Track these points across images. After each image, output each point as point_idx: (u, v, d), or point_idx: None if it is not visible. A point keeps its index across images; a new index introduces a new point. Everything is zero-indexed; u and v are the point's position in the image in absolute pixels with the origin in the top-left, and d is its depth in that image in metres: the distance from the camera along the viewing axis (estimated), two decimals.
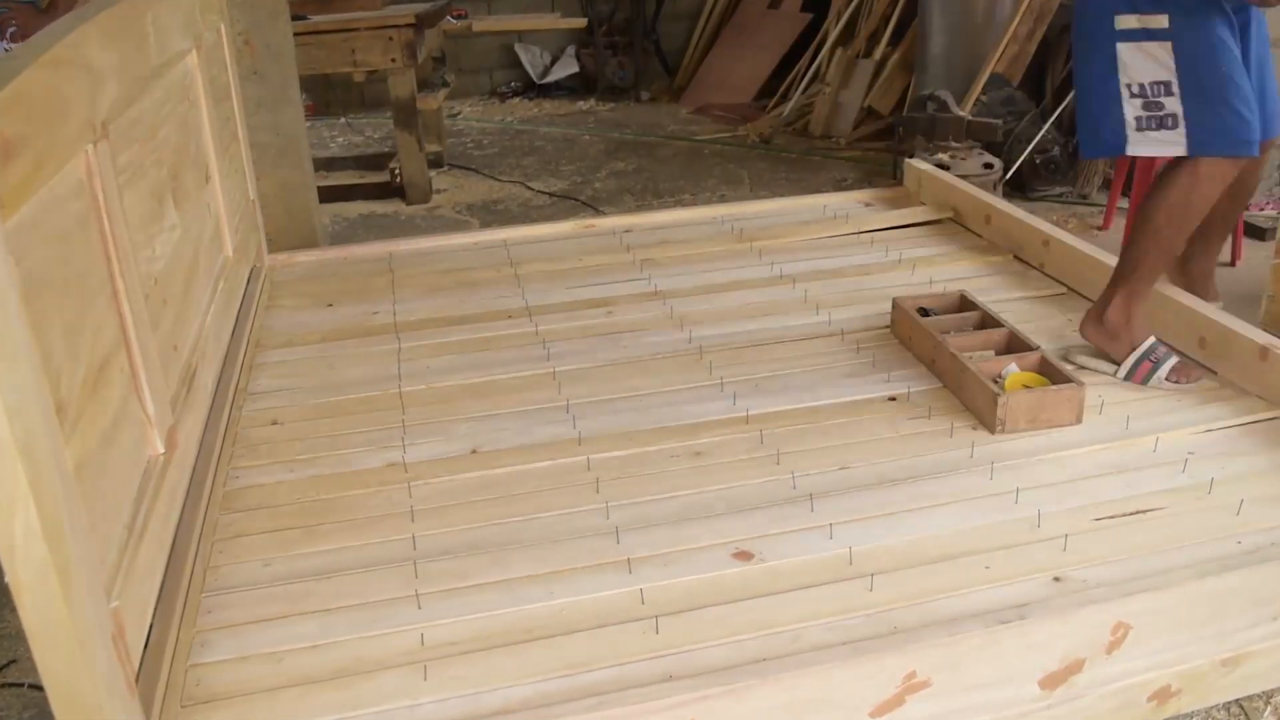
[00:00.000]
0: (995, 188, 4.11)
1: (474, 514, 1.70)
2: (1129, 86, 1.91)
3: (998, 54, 4.59)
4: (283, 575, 1.57)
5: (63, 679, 1.04)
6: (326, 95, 6.35)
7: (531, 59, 6.69)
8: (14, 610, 1.00)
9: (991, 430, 1.89)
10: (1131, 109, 1.91)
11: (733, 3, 6.45)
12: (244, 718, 1.31)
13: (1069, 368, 1.98)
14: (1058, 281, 2.53)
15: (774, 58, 6.08)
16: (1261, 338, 1.99)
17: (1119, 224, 3.97)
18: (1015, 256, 2.72)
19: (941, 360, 2.07)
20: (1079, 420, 1.90)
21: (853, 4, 5.53)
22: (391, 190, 4.70)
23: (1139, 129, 1.91)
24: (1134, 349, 2.02)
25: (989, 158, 4.31)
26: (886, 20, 5.32)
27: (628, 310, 2.47)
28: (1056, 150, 4.54)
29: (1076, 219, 4.33)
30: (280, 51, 3.14)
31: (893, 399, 2.02)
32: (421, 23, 4.41)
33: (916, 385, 2.06)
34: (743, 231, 2.97)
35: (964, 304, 2.28)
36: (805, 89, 5.66)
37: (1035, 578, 1.49)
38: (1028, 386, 1.93)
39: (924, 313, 2.24)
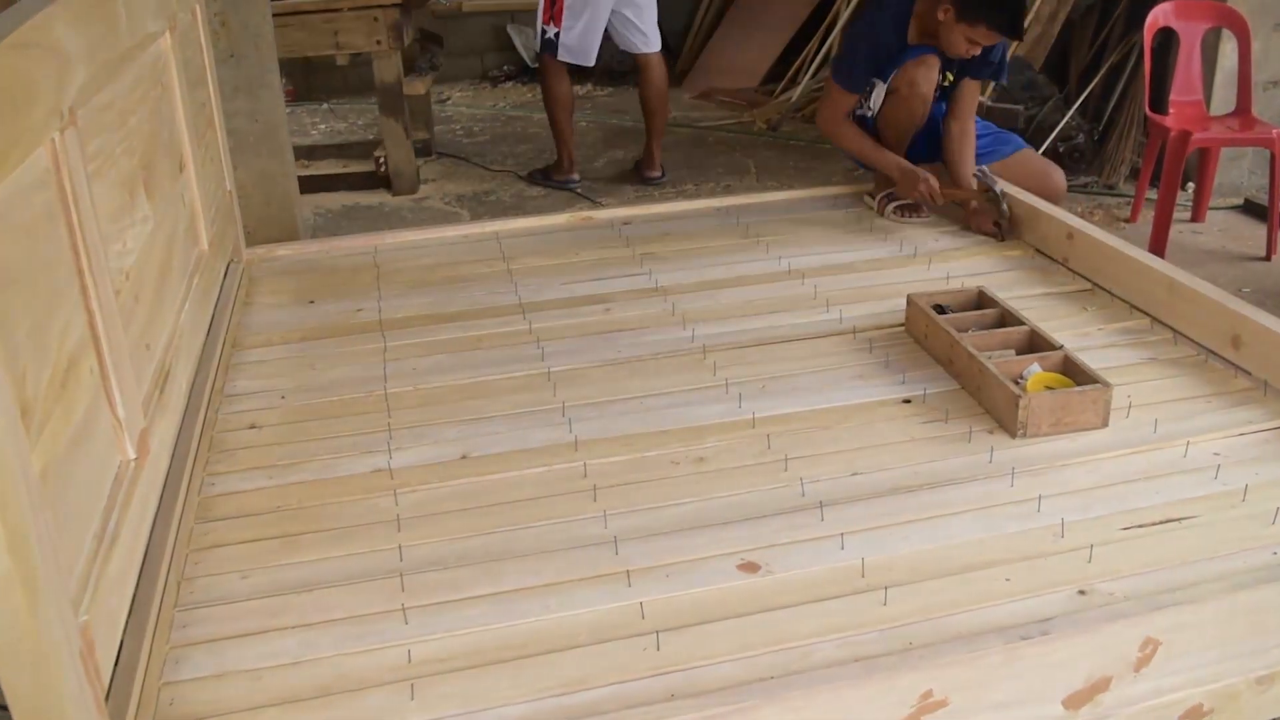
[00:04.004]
0: None
1: (464, 523, 1.70)
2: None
3: None
4: (262, 588, 1.56)
5: (28, 698, 1.04)
6: (308, 79, 6.35)
7: (525, 41, 6.69)
8: None
9: (1012, 434, 1.89)
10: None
11: None
12: None
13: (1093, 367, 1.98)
14: (1082, 277, 2.53)
15: (782, 39, 6.08)
16: None
17: (1147, 216, 3.97)
18: (1037, 250, 2.72)
19: (959, 360, 2.07)
20: (1105, 423, 1.90)
21: None
22: (377, 180, 4.70)
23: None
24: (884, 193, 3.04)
25: None
26: None
27: (627, 307, 2.47)
28: (1081, 138, 4.54)
29: (1103, 210, 4.34)
30: (259, 33, 3.14)
31: (907, 401, 2.03)
32: (408, 2, 4.41)
33: (933, 386, 2.06)
34: (749, 224, 2.97)
35: (983, 300, 2.28)
36: (815, 73, 5.66)
37: (1059, 591, 1.49)
38: (1050, 388, 1.93)
39: (940, 310, 2.24)
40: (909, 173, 2.91)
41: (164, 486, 1.67)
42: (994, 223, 2.80)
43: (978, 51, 2.84)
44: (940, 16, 2.81)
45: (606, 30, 4.44)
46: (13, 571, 0.98)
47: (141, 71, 1.92)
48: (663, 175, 4.77)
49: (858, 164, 3.37)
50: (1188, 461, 1.80)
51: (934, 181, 2.88)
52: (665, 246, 2.84)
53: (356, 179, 4.73)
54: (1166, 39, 4.05)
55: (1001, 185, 2.85)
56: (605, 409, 2.03)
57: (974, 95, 3.03)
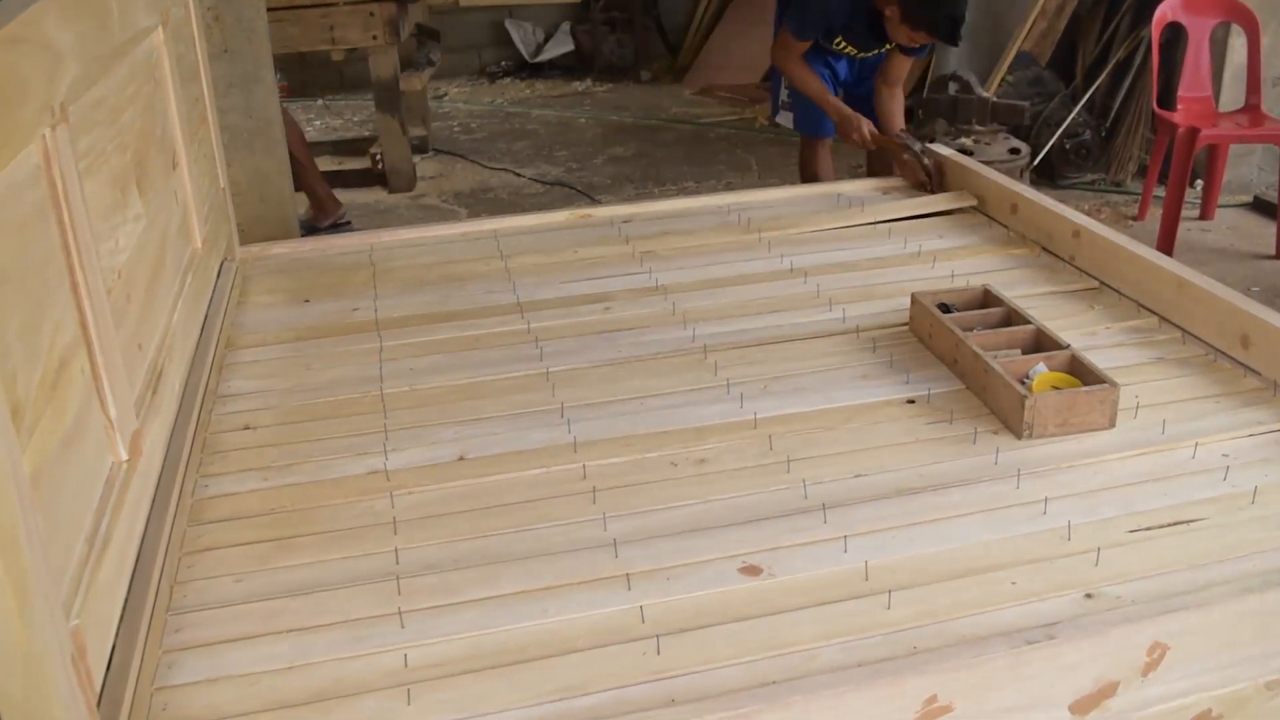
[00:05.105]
0: (1022, 175, 4.12)
1: (461, 526, 1.70)
2: (784, 83, 3.78)
3: (1025, 30, 4.60)
4: (256, 591, 1.56)
5: (19, 703, 1.04)
6: (303, 75, 6.36)
7: (523, 36, 6.70)
8: None
9: (1018, 435, 1.88)
10: (782, 94, 3.80)
11: None
12: None
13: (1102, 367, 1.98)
14: (1089, 275, 2.53)
15: None
16: None
17: (1155, 214, 3.97)
18: (1043, 249, 2.72)
19: (964, 360, 2.07)
20: (1112, 424, 1.90)
21: None
22: (373, 177, 4.71)
23: (782, 108, 3.81)
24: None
25: (1015, 142, 4.31)
26: None
27: (627, 306, 2.47)
28: (1088, 134, 4.54)
29: (1110, 208, 4.34)
30: (253, 28, 3.14)
31: (911, 401, 2.02)
32: None
33: (937, 387, 2.06)
34: (750, 222, 2.97)
35: (988, 299, 2.28)
36: None
37: (1065, 594, 1.49)
38: (1057, 388, 1.93)
39: (945, 309, 2.24)
40: (849, 117, 3.42)
41: (157, 489, 1.67)
42: (924, 171, 3.16)
43: (919, 44, 3.30)
44: (887, 13, 3.17)
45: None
46: (3, 575, 0.98)
47: (134, 67, 1.92)
48: None
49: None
50: (1196, 463, 1.80)
51: (870, 126, 3.35)
52: (666, 244, 2.83)
53: (352, 176, 4.74)
54: (1175, 34, 4.05)
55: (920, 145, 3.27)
56: (605, 409, 2.02)
57: (904, 65, 3.59)
